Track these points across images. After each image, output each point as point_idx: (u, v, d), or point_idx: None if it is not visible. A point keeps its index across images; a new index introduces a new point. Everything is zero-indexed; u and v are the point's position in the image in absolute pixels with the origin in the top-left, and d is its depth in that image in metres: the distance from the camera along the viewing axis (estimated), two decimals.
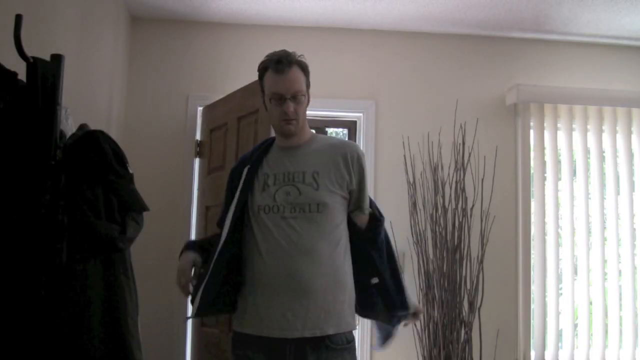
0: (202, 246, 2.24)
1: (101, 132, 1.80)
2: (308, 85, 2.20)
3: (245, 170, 2.20)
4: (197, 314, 2.14)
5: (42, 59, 1.28)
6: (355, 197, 2.19)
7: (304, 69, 2.19)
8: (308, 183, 2.12)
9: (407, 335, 3.63)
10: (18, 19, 1.23)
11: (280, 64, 2.12)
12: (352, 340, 2.12)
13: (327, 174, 2.14)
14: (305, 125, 2.24)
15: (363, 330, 3.78)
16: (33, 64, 1.27)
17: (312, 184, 2.11)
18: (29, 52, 1.40)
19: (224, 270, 2.08)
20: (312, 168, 2.14)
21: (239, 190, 2.16)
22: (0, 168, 1.35)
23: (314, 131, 2.43)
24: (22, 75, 1.46)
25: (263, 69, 2.18)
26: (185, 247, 2.28)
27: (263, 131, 3.05)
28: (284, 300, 2.01)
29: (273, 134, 3.00)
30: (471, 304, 3.52)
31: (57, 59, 1.31)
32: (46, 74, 1.32)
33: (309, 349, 2.00)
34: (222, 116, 3.53)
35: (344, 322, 2.09)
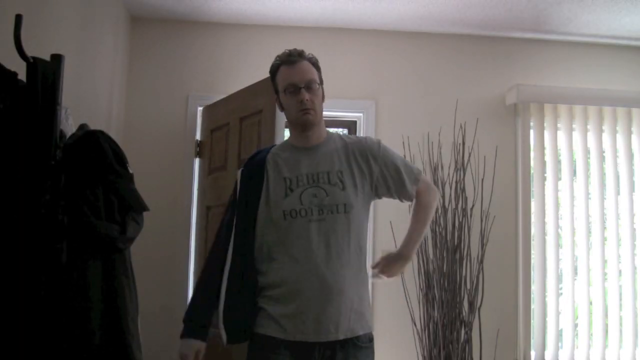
0: (204, 326, 2.18)
1: (101, 132, 1.80)
2: (321, 81, 2.19)
3: (259, 173, 2.17)
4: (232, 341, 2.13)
5: (42, 59, 1.28)
6: (394, 180, 2.20)
7: (315, 64, 2.19)
8: (334, 183, 2.10)
9: (407, 335, 3.63)
10: (18, 19, 1.23)
11: (290, 56, 2.15)
12: (373, 338, 2.13)
13: (350, 173, 2.13)
14: (322, 122, 2.21)
15: None
16: (33, 64, 1.27)
17: (338, 184, 2.10)
18: (29, 52, 1.40)
19: (240, 282, 2.07)
20: (335, 167, 2.12)
21: (251, 197, 2.13)
22: (1, 168, 1.35)
23: (343, 131, 2.44)
24: (22, 75, 1.46)
25: (275, 66, 2.18)
26: (187, 329, 2.23)
27: (266, 132, 3.05)
28: (316, 304, 2.00)
29: (277, 134, 3.00)
30: (471, 304, 3.52)
31: (57, 59, 1.31)
32: (46, 74, 1.32)
33: (338, 348, 2.01)
34: (224, 116, 3.53)
35: (369, 321, 2.12)
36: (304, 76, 2.12)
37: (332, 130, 2.36)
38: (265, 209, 2.09)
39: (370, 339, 2.10)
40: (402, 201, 2.26)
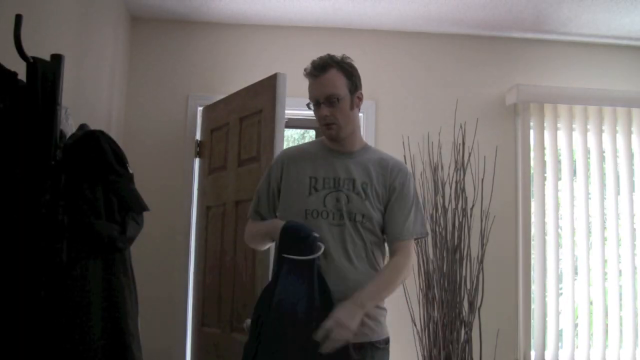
0: None
1: (101, 132, 1.80)
2: (354, 88, 2.18)
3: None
4: None
5: (42, 59, 1.28)
6: (395, 214, 2.16)
7: (346, 70, 2.17)
8: (357, 192, 2.12)
9: (407, 335, 3.63)
10: (18, 19, 1.23)
11: (314, 68, 2.15)
12: (389, 342, 2.17)
13: (373, 187, 2.14)
14: (356, 132, 2.23)
15: None
16: (33, 64, 1.27)
17: (360, 194, 2.11)
18: (29, 52, 1.39)
19: None
20: (361, 178, 2.14)
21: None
22: (0, 168, 1.35)
23: (372, 145, 2.44)
24: (22, 75, 1.46)
25: (306, 77, 2.20)
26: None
27: (267, 131, 3.05)
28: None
29: (277, 134, 3.01)
30: (471, 304, 3.52)
31: (57, 59, 1.31)
32: (46, 74, 1.32)
33: (353, 349, 2.01)
34: (224, 116, 3.53)
35: (384, 327, 2.16)
36: (323, 90, 2.13)
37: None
38: (292, 205, 2.15)
39: (386, 341, 2.15)
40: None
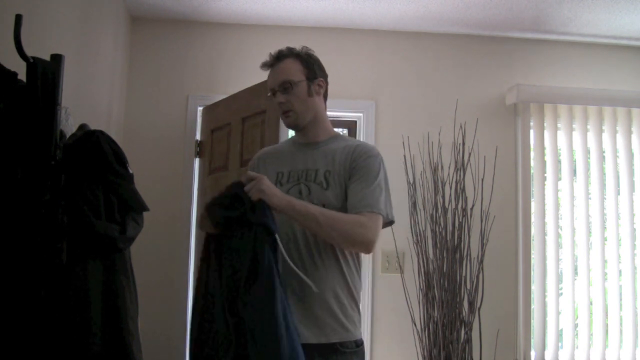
0: None
1: (101, 132, 1.80)
2: (312, 75, 2.14)
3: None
4: None
5: (42, 59, 1.28)
6: (348, 195, 2.02)
7: (303, 58, 2.15)
8: (318, 182, 2.06)
9: (407, 335, 3.63)
10: (18, 19, 1.23)
11: (270, 59, 2.15)
12: (362, 344, 2.06)
13: (336, 174, 2.07)
14: (320, 121, 2.18)
15: (364, 330, 3.78)
16: (33, 64, 1.27)
17: (322, 184, 2.06)
18: (29, 52, 1.39)
19: None
20: (325, 167, 2.08)
21: None
22: (0, 168, 1.35)
23: (343, 132, 2.39)
24: (21, 76, 1.46)
25: (263, 68, 2.20)
26: None
27: (270, 132, 3.05)
28: (293, 306, 1.94)
29: (281, 134, 3.01)
30: (471, 304, 3.51)
31: (57, 59, 1.31)
32: (46, 74, 1.32)
33: (316, 355, 1.94)
34: (225, 116, 3.53)
35: (352, 327, 2.04)
36: (278, 78, 2.12)
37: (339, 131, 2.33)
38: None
39: (357, 344, 2.04)
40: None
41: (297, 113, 2.12)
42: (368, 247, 1.98)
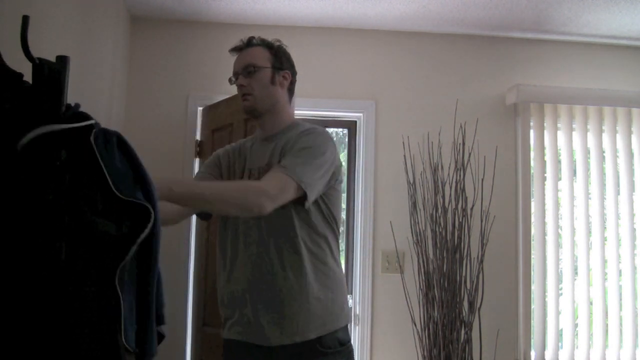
0: None
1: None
2: (278, 65, 2.09)
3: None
4: None
5: (48, 60, 1.28)
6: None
7: (272, 48, 2.10)
8: None
9: (407, 335, 3.63)
10: (25, 19, 1.22)
11: (241, 43, 2.11)
12: (347, 342, 2.00)
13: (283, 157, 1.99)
14: (278, 111, 2.10)
15: (364, 330, 3.79)
16: (39, 65, 1.27)
17: None
18: None
19: None
20: (275, 159, 2.01)
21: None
22: (6, 168, 1.35)
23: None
24: (27, 77, 1.46)
25: (231, 52, 2.15)
26: None
27: None
28: (259, 307, 1.93)
29: None
30: (471, 304, 3.52)
31: (62, 60, 1.30)
32: (52, 75, 1.32)
33: (296, 357, 1.90)
34: (227, 117, 3.52)
35: (329, 319, 1.96)
36: (242, 61, 2.07)
37: (330, 130, 2.27)
38: None
39: (340, 342, 1.97)
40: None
41: (255, 97, 2.05)
42: (261, 210, 1.80)
